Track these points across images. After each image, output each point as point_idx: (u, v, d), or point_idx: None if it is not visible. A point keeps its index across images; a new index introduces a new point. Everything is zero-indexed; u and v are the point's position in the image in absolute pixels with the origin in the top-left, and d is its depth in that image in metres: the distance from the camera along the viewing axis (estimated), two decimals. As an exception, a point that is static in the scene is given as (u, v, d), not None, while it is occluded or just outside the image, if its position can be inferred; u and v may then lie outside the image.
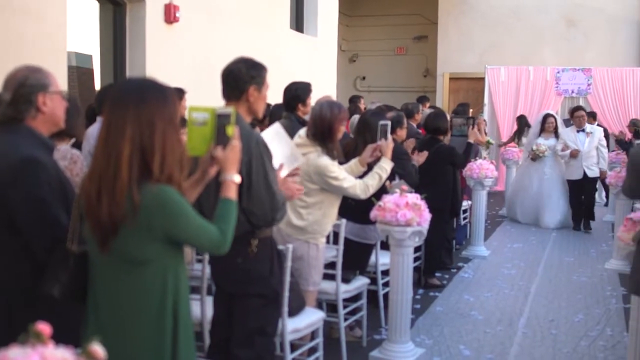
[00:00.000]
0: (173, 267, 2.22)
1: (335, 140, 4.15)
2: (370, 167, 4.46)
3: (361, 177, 4.36)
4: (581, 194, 9.75)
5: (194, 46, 7.76)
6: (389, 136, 4.37)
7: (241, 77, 3.08)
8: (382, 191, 4.71)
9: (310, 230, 4.12)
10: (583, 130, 9.73)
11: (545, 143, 10.02)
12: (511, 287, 6.71)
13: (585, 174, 9.60)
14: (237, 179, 2.37)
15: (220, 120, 2.35)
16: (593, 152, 9.68)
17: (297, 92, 5.27)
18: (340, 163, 4.23)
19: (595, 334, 5.38)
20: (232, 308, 3.15)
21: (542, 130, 10.19)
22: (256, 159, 2.97)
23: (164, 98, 2.21)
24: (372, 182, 4.17)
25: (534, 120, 10.91)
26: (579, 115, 9.80)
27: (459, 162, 6.61)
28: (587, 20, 15.25)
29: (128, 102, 2.16)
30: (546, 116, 10.33)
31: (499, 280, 6.96)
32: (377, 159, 4.44)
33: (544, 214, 10.05)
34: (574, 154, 9.59)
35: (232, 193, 2.35)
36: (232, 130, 2.37)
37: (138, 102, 2.16)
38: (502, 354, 4.91)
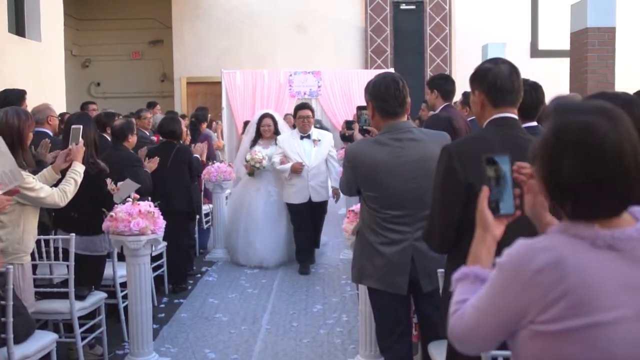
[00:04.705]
0: None
1: (26, 148, 3.95)
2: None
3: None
4: (306, 222, 7.39)
5: None
6: (80, 140, 4.24)
7: None
8: (110, 198, 4.56)
9: (12, 251, 3.82)
10: (309, 137, 7.34)
11: (264, 152, 7.52)
12: (254, 286, 6.87)
13: (311, 198, 7.27)
14: None
15: None
16: (322, 167, 7.38)
17: (7, 100, 4.91)
18: (33, 173, 3.99)
19: (333, 321, 5.71)
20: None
21: (260, 135, 7.70)
22: None
23: None
24: (68, 188, 3.99)
25: (251, 123, 8.19)
26: (304, 116, 7.28)
27: (195, 165, 6.68)
28: (316, 26, 16.18)
29: None
30: (262, 117, 7.75)
31: (242, 280, 7.09)
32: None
33: (267, 250, 7.61)
34: (297, 169, 7.17)
35: None
36: None
37: None
38: (247, 352, 5.00)
